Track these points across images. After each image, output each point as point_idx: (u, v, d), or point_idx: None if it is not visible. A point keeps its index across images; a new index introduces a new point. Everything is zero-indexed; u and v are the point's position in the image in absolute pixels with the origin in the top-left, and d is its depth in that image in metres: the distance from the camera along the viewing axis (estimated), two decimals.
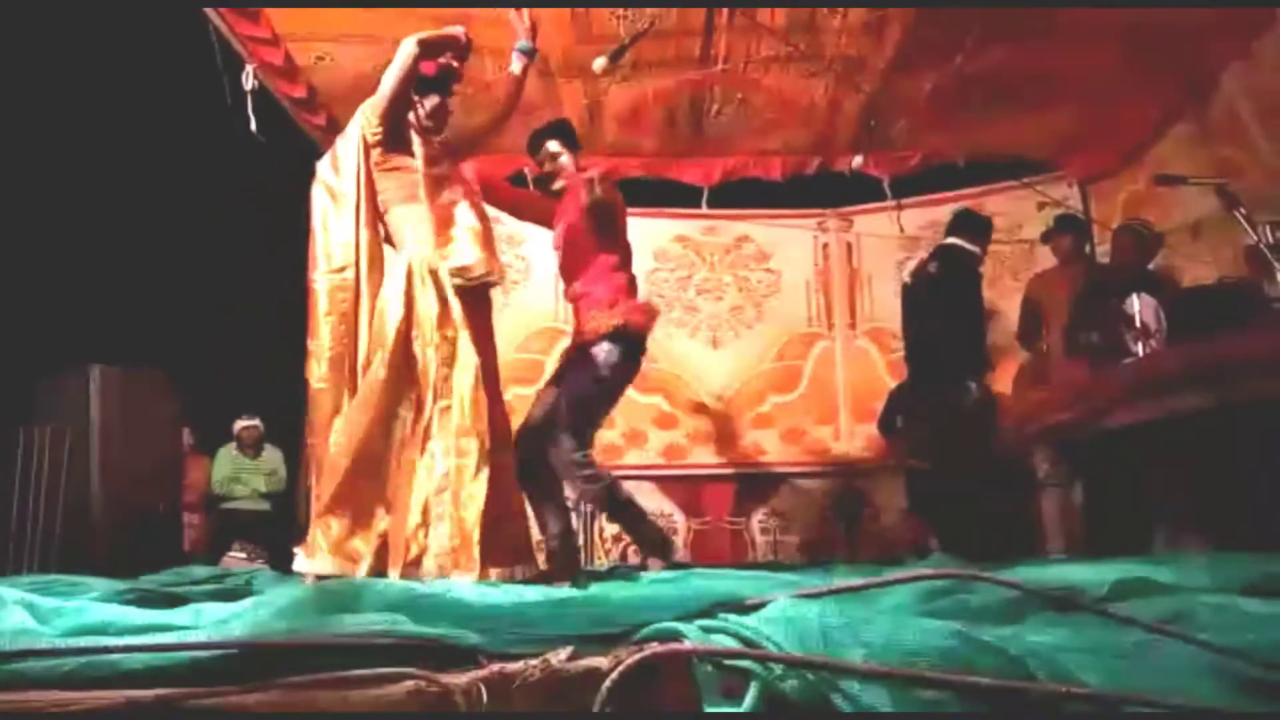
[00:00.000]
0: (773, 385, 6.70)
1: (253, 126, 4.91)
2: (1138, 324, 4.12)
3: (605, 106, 5.68)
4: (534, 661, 1.30)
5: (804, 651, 1.23)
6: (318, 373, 3.14)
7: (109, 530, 4.41)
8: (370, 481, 2.96)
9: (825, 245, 6.93)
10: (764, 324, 6.82)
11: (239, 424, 6.97)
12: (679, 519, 6.38)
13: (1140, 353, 3.98)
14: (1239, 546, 2.38)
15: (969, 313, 4.81)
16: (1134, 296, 4.21)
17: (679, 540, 6.26)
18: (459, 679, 1.26)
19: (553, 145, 4.01)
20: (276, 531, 6.88)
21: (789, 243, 6.92)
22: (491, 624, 1.46)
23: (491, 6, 4.74)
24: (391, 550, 2.89)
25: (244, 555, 6.58)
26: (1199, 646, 1.33)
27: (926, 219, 6.75)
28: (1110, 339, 4.29)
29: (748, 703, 1.20)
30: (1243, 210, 3.37)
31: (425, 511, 2.90)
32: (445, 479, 2.93)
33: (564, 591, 2.37)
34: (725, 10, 4.81)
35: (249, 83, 4.97)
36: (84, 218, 6.55)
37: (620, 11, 4.73)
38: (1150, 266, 4.94)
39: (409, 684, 1.26)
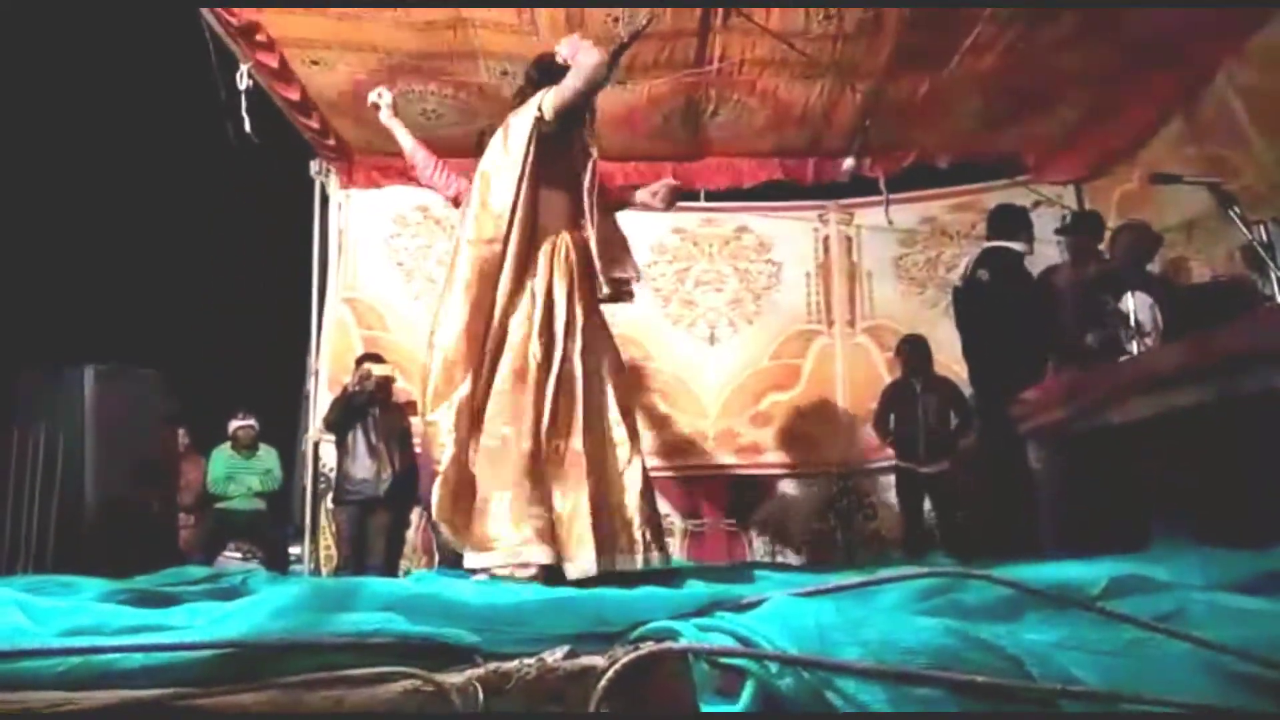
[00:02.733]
0: (771, 383, 6.66)
1: (246, 126, 4.90)
2: (1133, 322, 4.13)
3: (600, 109, 5.67)
4: (530, 660, 1.29)
5: (800, 650, 1.23)
6: (447, 342, 3.05)
7: (104, 530, 4.39)
8: (542, 469, 2.98)
9: (825, 238, 6.89)
10: (763, 318, 6.76)
11: (234, 423, 6.94)
12: (675, 519, 6.36)
13: (1135, 351, 3.99)
14: (1234, 543, 2.38)
15: (1022, 317, 4.70)
16: (1129, 295, 4.22)
17: (675, 541, 6.25)
18: (455, 678, 1.26)
19: None
20: (271, 531, 6.88)
21: (789, 234, 6.87)
22: (488, 623, 1.46)
23: (485, 7, 4.75)
24: (572, 537, 2.90)
25: (239, 555, 6.57)
26: (1194, 644, 1.33)
27: (922, 214, 6.75)
28: (1106, 338, 4.30)
29: (743, 701, 1.20)
30: (1237, 209, 3.37)
31: (604, 498, 2.97)
32: (610, 467, 3.02)
33: (560, 590, 2.37)
34: (720, 12, 4.82)
35: (244, 82, 4.97)
36: (80, 218, 6.55)
37: (617, 14, 4.73)
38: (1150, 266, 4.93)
39: (405, 683, 1.26)
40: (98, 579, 2.83)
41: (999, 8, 4.70)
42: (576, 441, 3.01)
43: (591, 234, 3.21)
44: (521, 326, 3.08)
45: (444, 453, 2.98)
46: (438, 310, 3.14)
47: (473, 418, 3.02)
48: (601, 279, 3.21)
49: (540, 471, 2.97)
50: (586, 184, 3.24)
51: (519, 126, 3.14)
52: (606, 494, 3.01)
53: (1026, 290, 4.74)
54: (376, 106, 3.98)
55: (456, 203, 4.13)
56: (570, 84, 3.09)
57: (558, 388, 3.03)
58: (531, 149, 3.10)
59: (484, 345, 3.05)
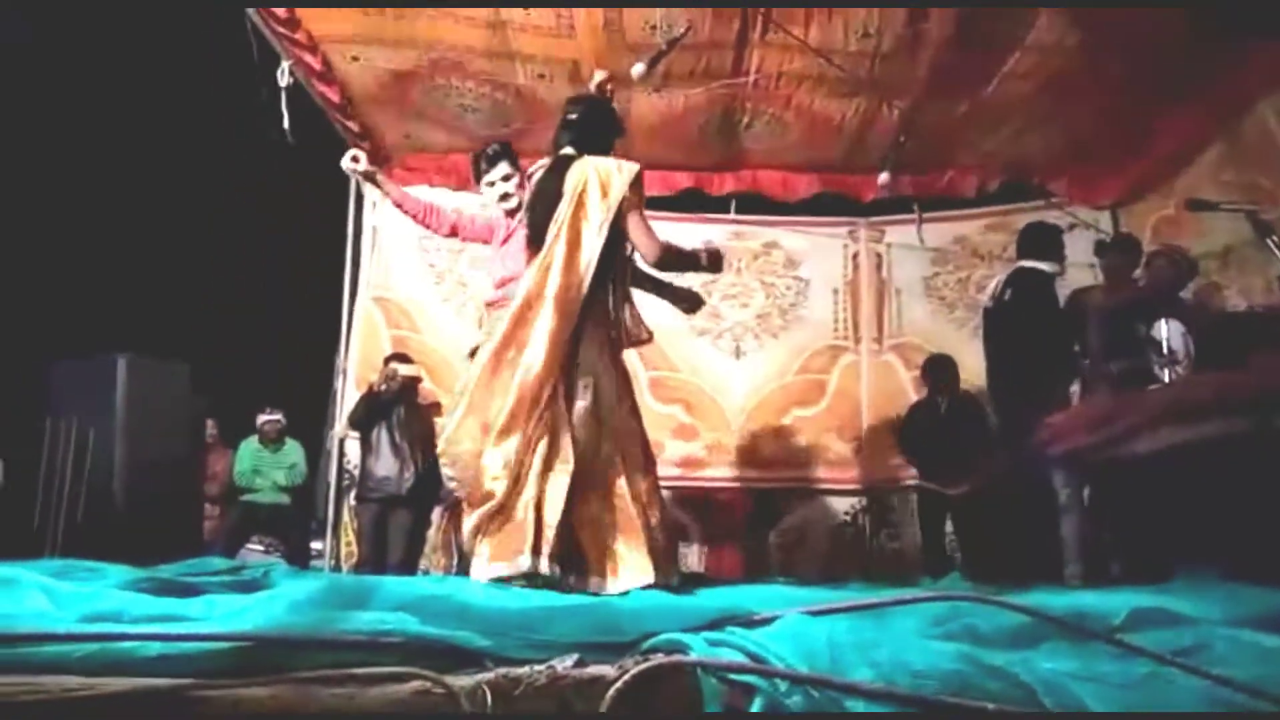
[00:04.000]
0: (795, 398, 6.61)
1: (285, 124, 4.96)
2: (1165, 350, 4.08)
3: (634, 116, 5.70)
4: (540, 667, 1.30)
5: (810, 668, 1.22)
6: (529, 378, 3.05)
7: (130, 518, 4.45)
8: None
9: (855, 254, 6.84)
10: (789, 333, 6.72)
11: (261, 417, 7.02)
12: (694, 531, 6.35)
13: (1167, 378, 3.94)
14: (1259, 579, 2.35)
15: (1049, 339, 4.66)
16: (1162, 322, 4.17)
17: (694, 552, 6.23)
18: (464, 681, 1.27)
19: (506, 167, 4.02)
20: (294, 525, 6.94)
21: (819, 250, 6.82)
22: (499, 628, 1.47)
23: (525, 7, 4.77)
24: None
25: (262, 548, 6.64)
26: (1211, 680, 1.31)
27: (955, 234, 6.71)
28: (1137, 364, 4.25)
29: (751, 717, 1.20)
30: (1275, 238, 3.33)
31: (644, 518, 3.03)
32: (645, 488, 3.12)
33: (572, 598, 2.38)
34: (758, 26, 4.82)
35: (284, 79, 5.03)
36: (117, 211, 6.64)
37: (654, 23, 4.75)
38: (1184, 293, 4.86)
39: (415, 684, 1.27)
40: (122, 566, 2.87)
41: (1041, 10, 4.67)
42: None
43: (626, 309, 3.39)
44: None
45: (499, 485, 2.96)
46: (503, 348, 3.13)
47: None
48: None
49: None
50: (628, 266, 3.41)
51: (615, 189, 3.19)
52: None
53: (1055, 312, 4.69)
54: (353, 168, 4.07)
55: (453, 235, 4.25)
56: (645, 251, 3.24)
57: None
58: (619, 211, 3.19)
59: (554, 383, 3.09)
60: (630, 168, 3.24)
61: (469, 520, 3.00)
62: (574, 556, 2.95)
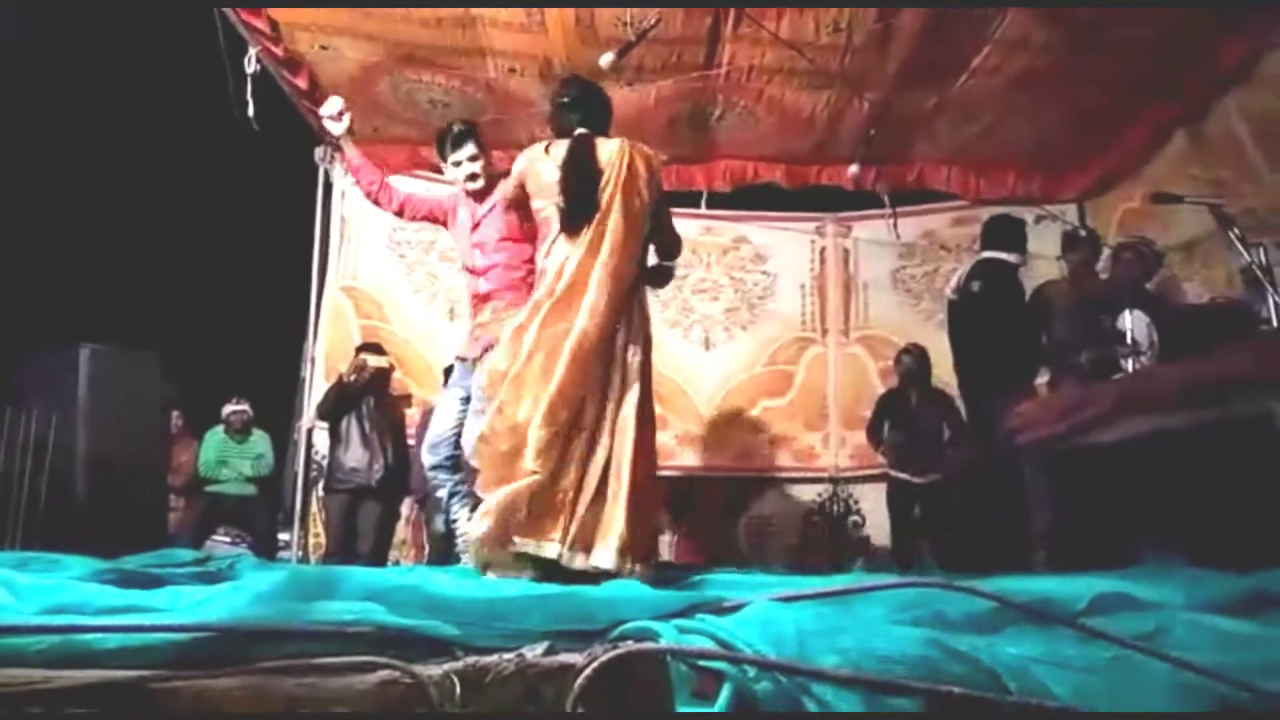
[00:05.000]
0: (764, 389, 6.69)
1: (250, 111, 4.90)
2: (1129, 340, 4.13)
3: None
4: (508, 656, 1.29)
5: (779, 655, 1.23)
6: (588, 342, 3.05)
7: (93, 510, 4.38)
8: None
9: (822, 250, 6.93)
10: (758, 326, 6.80)
11: (228, 408, 6.95)
12: (664, 520, 6.36)
13: (1131, 369, 4.00)
14: (1221, 565, 2.39)
15: (1014, 329, 4.67)
16: (1126, 313, 4.23)
17: (664, 541, 6.25)
18: (433, 671, 1.26)
19: (472, 147, 3.90)
20: (261, 516, 6.88)
21: (786, 246, 6.92)
22: (467, 616, 1.46)
23: (492, 7, 4.75)
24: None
25: (228, 539, 6.57)
26: (1172, 664, 1.33)
27: (923, 228, 6.77)
28: (1103, 355, 4.30)
29: (720, 704, 1.20)
30: (1236, 231, 3.38)
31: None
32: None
33: (541, 586, 2.37)
34: (730, 20, 4.82)
35: (251, 66, 4.97)
36: (80, 199, 6.54)
37: (625, 17, 4.74)
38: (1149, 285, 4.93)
39: (382, 674, 1.26)
40: (85, 558, 2.83)
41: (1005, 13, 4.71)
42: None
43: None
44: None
45: (542, 463, 2.93)
46: (553, 324, 3.08)
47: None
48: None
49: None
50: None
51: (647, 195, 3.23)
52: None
53: (1021, 302, 4.74)
54: (334, 117, 4.01)
55: (399, 214, 4.15)
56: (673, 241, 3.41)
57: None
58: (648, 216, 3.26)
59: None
60: (659, 156, 3.31)
61: (499, 494, 2.93)
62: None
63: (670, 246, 3.42)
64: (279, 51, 5.06)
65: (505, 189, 3.62)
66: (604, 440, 3.01)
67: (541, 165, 3.29)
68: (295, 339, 6.43)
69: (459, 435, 3.87)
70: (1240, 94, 4.90)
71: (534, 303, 3.17)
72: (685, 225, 6.66)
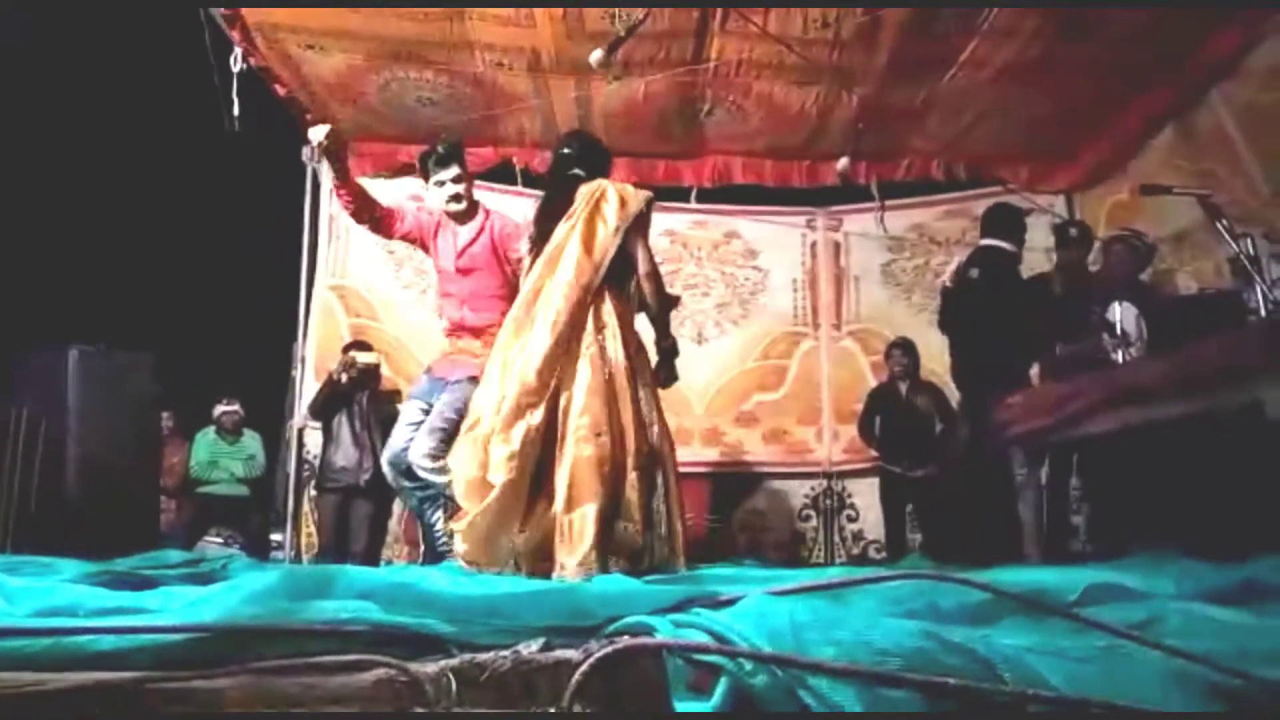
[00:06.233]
0: (757, 383, 6.69)
1: (235, 110, 4.88)
2: (1118, 331, 4.15)
3: (595, 104, 5.67)
4: (504, 652, 1.29)
5: (775, 648, 1.23)
6: (529, 374, 3.10)
7: (85, 512, 4.36)
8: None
9: (813, 244, 6.91)
10: (750, 321, 6.80)
11: (219, 408, 6.93)
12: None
13: (1120, 360, 4.01)
14: (1211, 555, 2.40)
15: (1011, 318, 4.64)
16: (1115, 305, 4.24)
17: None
18: (428, 668, 1.26)
19: (456, 168, 3.88)
20: (253, 517, 6.86)
21: (777, 240, 6.90)
22: (463, 614, 1.46)
23: (481, 6, 4.74)
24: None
25: (220, 540, 6.55)
26: (1165, 652, 1.34)
27: (912, 221, 6.78)
28: (1093, 347, 4.32)
29: (716, 698, 1.20)
30: (1224, 222, 3.39)
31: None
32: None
33: (537, 583, 2.37)
34: (719, 15, 4.82)
35: (237, 65, 4.95)
36: (69, 199, 6.50)
37: (613, 11, 4.73)
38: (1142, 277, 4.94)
39: (378, 672, 1.25)
40: (76, 560, 2.82)
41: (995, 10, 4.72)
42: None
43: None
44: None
45: (499, 477, 2.99)
46: (510, 342, 3.19)
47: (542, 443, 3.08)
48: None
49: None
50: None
51: (614, 216, 3.28)
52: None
53: (1018, 291, 4.74)
54: (315, 146, 4.00)
55: (378, 231, 4.08)
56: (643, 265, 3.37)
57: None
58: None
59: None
60: (646, 194, 3.38)
61: (475, 510, 3.00)
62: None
63: (641, 267, 3.37)
64: (268, 50, 5.06)
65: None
66: (568, 450, 3.05)
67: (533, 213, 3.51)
68: (286, 339, 6.41)
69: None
70: (1228, 86, 4.91)
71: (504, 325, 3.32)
72: (675, 220, 6.73)
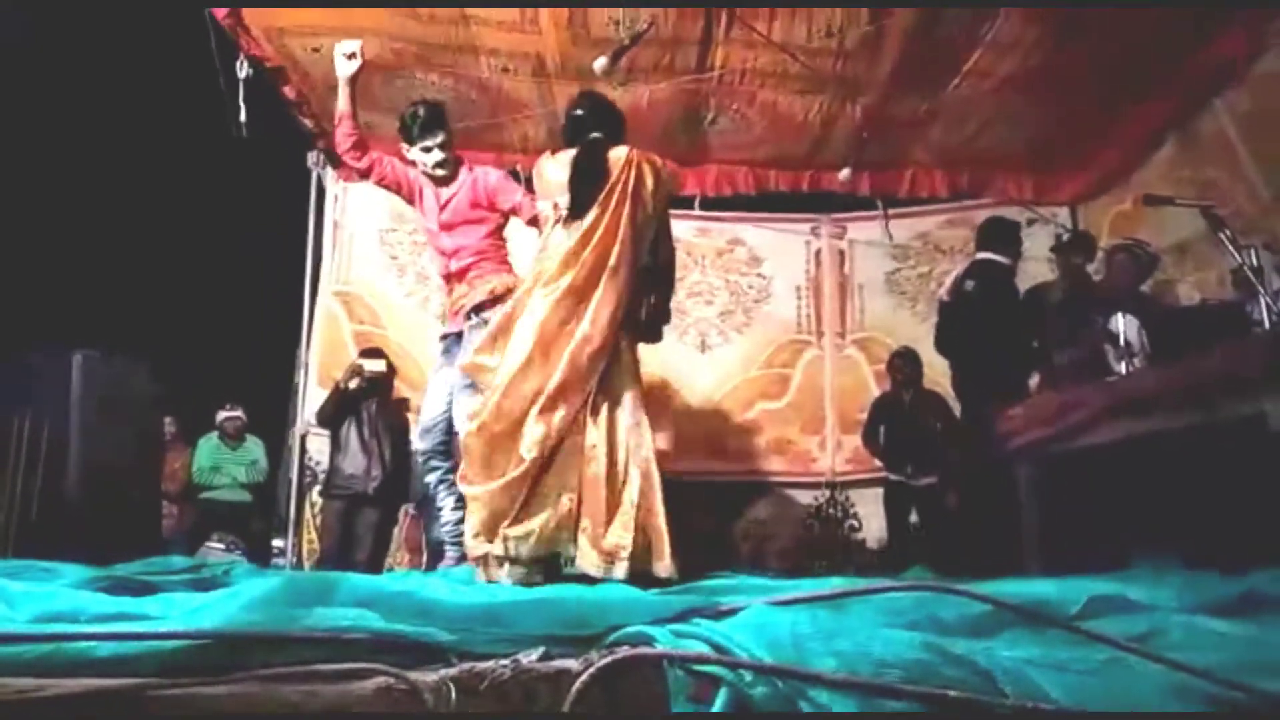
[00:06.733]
0: (760, 392, 6.67)
1: (242, 116, 4.89)
2: (1121, 342, 4.14)
3: None
4: (504, 661, 1.29)
5: (775, 659, 1.23)
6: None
7: (87, 518, 4.36)
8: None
9: (818, 251, 6.90)
10: (753, 329, 6.78)
11: (222, 414, 6.94)
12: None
13: (1122, 371, 4.00)
14: (1214, 567, 2.39)
15: (1008, 330, 4.69)
16: (1118, 315, 4.23)
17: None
18: (428, 677, 1.26)
19: (442, 134, 3.89)
20: (255, 523, 6.85)
21: (781, 248, 6.89)
22: (463, 623, 1.46)
23: (489, 7, 4.75)
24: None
25: (222, 546, 6.55)
26: (1167, 665, 1.34)
27: (916, 229, 6.77)
28: (1095, 357, 4.31)
29: (716, 708, 1.20)
30: (1227, 232, 3.39)
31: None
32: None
33: (537, 591, 2.37)
34: (723, 23, 4.83)
35: (243, 70, 4.97)
36: (74, 203, 6.52)
37: (617, 18, 4.74)
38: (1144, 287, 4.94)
39: (378, 680, 1.26)
40: (78, 565, 2.82)
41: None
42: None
43: None
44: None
45: (536, 454, 2.97)
46: (551, 317, 3.11)
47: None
48: None
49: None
50: None
51: (652, 200, 3.27)
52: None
53: (1014, 303, 4.76)
54: (347, 56, 3.87)
55: (366, 172, 4.04)
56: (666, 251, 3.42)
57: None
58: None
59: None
60: (674, 172, 3.38)
61: (490, 486, 2.97)
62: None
63: (665, 252, 3.42)
64: (273, 53, 5.07)
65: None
66: (602, 447, 3.07)
67: (547, 165, 3.36)
68: (290, 344, 6.41)
69: (450, 418, 3.90)
70: (1231, 95, 4.92)
71: (524, 290, 3.21)
72: (679, 227, 6.70)
